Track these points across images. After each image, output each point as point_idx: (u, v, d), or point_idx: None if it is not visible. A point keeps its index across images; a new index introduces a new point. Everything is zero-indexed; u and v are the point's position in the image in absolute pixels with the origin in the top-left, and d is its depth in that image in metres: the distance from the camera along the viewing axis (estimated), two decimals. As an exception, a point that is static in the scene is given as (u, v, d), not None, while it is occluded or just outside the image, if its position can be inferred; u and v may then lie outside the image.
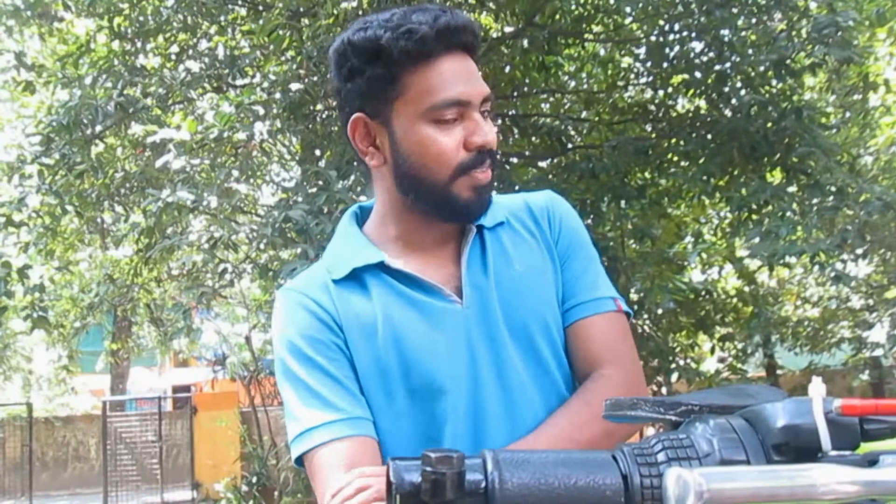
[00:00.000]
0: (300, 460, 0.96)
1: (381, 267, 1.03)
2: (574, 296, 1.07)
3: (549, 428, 0.98)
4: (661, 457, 0.53)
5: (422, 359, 0.98)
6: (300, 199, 4.16)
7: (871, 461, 0.50)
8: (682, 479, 0.47)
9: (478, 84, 0.99)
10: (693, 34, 5.52)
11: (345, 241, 1.09)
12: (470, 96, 0.97)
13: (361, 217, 1.14)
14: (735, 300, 7.34)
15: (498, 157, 1.05)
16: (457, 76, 0.97)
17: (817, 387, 0.53)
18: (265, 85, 4.37)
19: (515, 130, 6.16)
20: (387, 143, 1.01)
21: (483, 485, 0.53)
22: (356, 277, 1.03)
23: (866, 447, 0.53)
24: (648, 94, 6.38)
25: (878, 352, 9.22)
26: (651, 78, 6.10)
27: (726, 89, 5.38)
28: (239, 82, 5.18)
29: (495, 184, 1.07)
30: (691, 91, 5.57)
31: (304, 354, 0.99)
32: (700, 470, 0.47)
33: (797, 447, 0.52)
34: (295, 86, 4.37)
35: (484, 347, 1.01)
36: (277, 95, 4.33)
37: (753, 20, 5.40)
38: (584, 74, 6.69)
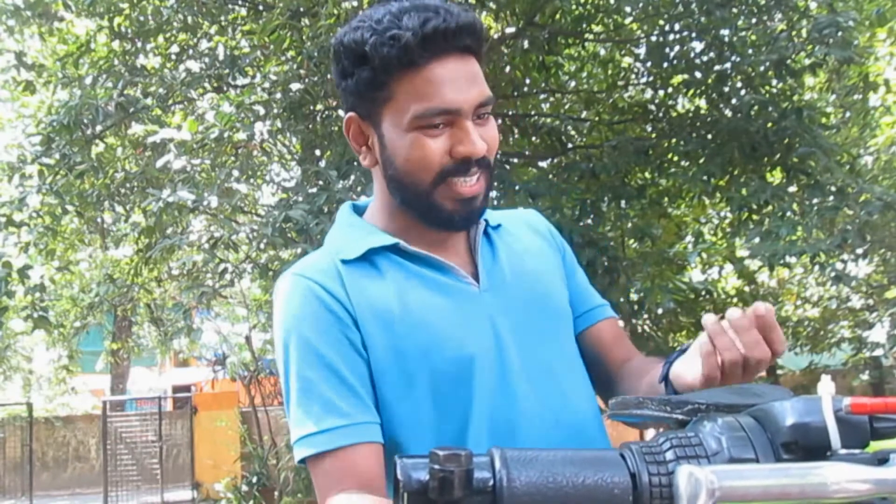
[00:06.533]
0: (304, 460, 0.95)
1: (395, 250, 1.01)
2: (587, 301, 1.13)
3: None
4: (669, 455, 0.53)
5: (446, 338, 0.96)
6: (300, 199, 4.16)
7: (882, 459, 0.50)
8: (693, 477, 0.47)
9: (472, 89, 0.94)
10: (693, 34, 5.52)
11: (351, 227, 1.06)
12: (459, 104, 0.93)
13: (357, 213, 1.12)
14: (735, 300, 7.34)
15: (495, 161, 1.01)
16: (447, 83, 0.92)
17: (827, 385, 0.53)
18: (265, 85, 4.37)
19: (515, 130, 6.16)
20: (377, 145, 0.99)
21: (491, 483, 0.53)
22: (367, 260, 1.00)
23: (875, 446, 0.52)
24: (648, 94, 6.39)
25: (878, 352, 9.22)
26: (651, 78, 6.11)
27: (726, 89, 5.39)
28: (239, 82, 5.18)
29: (496, 184, 1.07)
30: (691, 91, 5.57)
31: (313, 348, 0.95)
32: (711, 468, 0.47)
33: (806, 445, 0.52)
34: (295, 86, 4.37)
35: (506, 329, 1.00)
36: (278, 95, 4.33)
37: (753, 20, 5.40)
38: (584, 74, 6.69)
